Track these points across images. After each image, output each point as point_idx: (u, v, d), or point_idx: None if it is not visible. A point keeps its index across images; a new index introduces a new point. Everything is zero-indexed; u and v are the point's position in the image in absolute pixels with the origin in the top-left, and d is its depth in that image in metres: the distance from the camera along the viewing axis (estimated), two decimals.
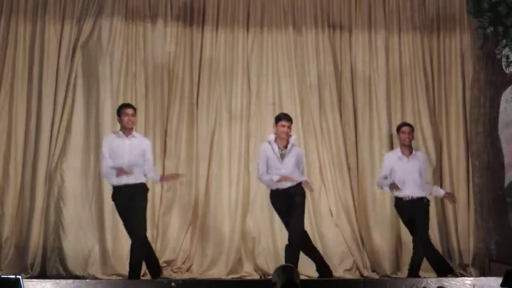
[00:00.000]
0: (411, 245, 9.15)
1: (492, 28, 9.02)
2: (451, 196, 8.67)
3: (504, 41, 9.03)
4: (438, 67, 9.63)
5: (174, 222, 9.05)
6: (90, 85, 9.13)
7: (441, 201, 9.31)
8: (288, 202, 8.00)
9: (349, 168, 9.38)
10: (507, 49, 9.01)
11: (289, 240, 8.02)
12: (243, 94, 9.40)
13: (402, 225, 9.20)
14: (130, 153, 7.92)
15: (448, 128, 9.51)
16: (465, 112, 9.43)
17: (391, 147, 9.38)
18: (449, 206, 9.30)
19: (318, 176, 9.18)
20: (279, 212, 8.20)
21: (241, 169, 9.23)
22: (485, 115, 9.08)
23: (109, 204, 8.84)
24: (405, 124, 8.57)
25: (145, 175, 7.98)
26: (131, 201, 7.83)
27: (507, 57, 9.05)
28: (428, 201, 8.41)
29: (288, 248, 8.01)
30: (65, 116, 9.04)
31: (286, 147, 8.05)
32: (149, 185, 9.06)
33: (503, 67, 9.08)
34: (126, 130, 7.98)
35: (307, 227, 8.89)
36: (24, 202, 8.88)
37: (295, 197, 7.99)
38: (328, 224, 9.18)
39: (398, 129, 8.50)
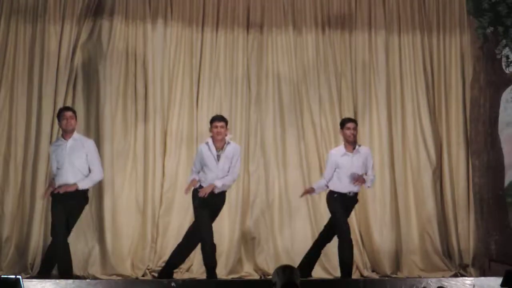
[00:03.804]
0: (411, 245, 9.15)
1: (492, 28, 9.02)
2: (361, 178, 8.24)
3: (504, 41, 9.02)
4: (438, 67, 9.62)
5: (174, 222, 9.05)
6: (90, 85, 9.13)
7: (441, 201, 9.32)
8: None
9: None
10: (507, 49, 9.01)
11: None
12: (243, 94, 9.40)
13: (402, 225, 9.21)
14: (70, 156, 7.92)
15: (448, 128, 9.50)
16: (465, 112, 9.42)
17: (391, 147, 9.38)
18: (449, 206, 9.30)
19: (318, 176, 9.16)
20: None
21: (241, 169, 9.21)
22: (485, 115, 9.08)
23: (109, 204, 8.85)
24: (349, 120, 8.44)
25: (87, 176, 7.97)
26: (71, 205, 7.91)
27: (507, 57, 9.04)
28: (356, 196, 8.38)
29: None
30: None
31: (222, 147, 8.09)
32: (149, 185, 9.08)
33: (503, 67, 9.07)
34: (66, 133, 7.99)
35: (307, 227, 8.89)
36: (24, 202, 8.87)
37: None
38: None
39: (342, 125, 8.35)
